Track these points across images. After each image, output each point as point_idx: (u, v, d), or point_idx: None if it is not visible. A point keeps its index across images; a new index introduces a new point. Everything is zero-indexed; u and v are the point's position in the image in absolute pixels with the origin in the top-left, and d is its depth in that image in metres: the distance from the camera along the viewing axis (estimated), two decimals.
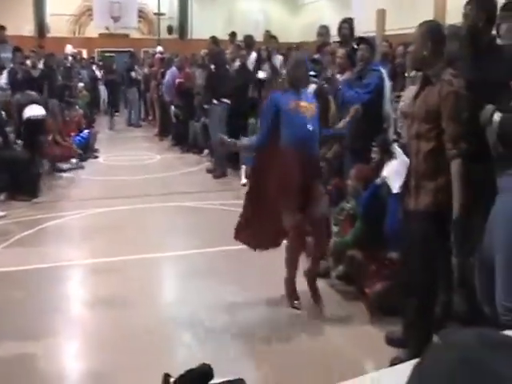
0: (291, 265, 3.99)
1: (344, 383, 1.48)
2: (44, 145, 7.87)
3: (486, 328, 0.65)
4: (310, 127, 3.84)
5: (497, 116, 2.66)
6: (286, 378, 3.07)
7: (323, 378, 3.01)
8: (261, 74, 8.16)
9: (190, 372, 2.23)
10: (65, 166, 8.69)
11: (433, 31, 3.01)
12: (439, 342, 0.64)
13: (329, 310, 3.87)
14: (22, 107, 7.55)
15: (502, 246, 2.68)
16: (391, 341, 3.39)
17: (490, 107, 2.74)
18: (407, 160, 3.12)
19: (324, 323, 3.69)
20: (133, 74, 13.53)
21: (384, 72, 4.93)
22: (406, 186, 3.17)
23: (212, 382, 2.17)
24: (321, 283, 4.16)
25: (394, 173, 3.27)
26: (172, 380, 2.25)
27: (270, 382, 3.04)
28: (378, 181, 4.03)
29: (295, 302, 3.96)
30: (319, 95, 5.42)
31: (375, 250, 4.04)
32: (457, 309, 3.40)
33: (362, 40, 5.10)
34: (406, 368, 0.66)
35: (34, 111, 7.62)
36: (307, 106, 3.90)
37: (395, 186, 3.30)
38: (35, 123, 7.58)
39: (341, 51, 5.52)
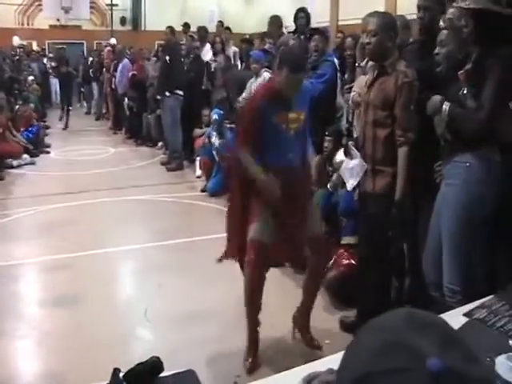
0: (251, 303, 3.11)
1: (298, 368, 1.48)
2: None
3: (416, 309, 0.66)
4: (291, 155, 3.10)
5: (446, 105, 2.73)
6: (239, 368, 3.08)
7: (278, 363, 3.03)
8: (214, 65, 8.15)
9: (139, 365, 2.20)
10: (14, 162, 8.45)
11: (393, 23, 3.16)
12: (370, 324, 0.65)
13: (282, 296, 3.88)
14: None
15: (446, 232, 2.77)
16: (345, 325, 3.46)
17: (437, 97, 2.81)
18: (364, 164, 3.19)
19: (278, 309, 3.70)
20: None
21: (336, 62, 4.99)
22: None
23: (162, 374, 2.16)
24: (273, 272, 4.16)
25: (349, 170, 3.32)
26: (121, 374, 2.22)
27: (223, 373, 3.04)
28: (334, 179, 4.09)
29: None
30: None
31: (330, 236, 4.09)
32: (408, 293, 3.49)
33: (315, 30, 5.13)
34: None
35: None
36: (295, 116, 3.09)
37: (350, 184, 3.36)
38: None
39: (292, 42, 5.54)
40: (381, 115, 3.09)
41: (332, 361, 1.34)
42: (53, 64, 15.01)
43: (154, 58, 10.52)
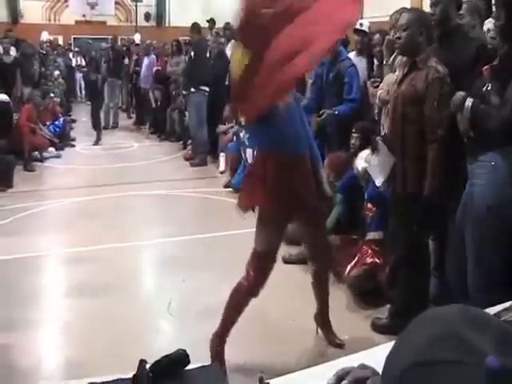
0: (233, 311, 3.01)
1: (328, 364, 1.48)
2: (10, 131, 7.73)
3: (472, 306, 0.66)
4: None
5: (469, 101, 2.69)
6: (264, 364, 3.08)
7: (306, 360, 3.02)
8: None
9: (165, 358, 2.22)
10: (41, 154, 8.58)
11: (425, 18, 3.15)
12: (425, 315, 0.65)
13: (307, 296, 3.87)
14: None
15: (469, 234, 2.74)
16: (377, 327, 3.40)
17: (460, 93, 2.77)
18: (392, 158, 3.15)
19: (303, 308, 3.70)
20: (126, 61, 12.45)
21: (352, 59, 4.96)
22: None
23: (188, 367, 2.17)
24: (297, 269, 4.17)
25: (377, 167, 3.28)
26: (148, 366, 2.24)
27: (246, 367, 3.05)
28: (359, 169, 4.04)
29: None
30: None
31: (353, 235, 4.08)
32: (432, 291, 3.45)
33: None
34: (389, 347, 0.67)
35: None
36: None
37: (378, 181, 3.32)
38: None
39: None
40: (410, 110, 3.05)
41: (363, 356, 1.34)
42: (82, 64, 14.99)
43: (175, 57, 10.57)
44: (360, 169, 3.93)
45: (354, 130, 4.46)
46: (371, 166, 3.39)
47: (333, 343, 3.23)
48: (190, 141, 8.89)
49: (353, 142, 4.45)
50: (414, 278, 3.17)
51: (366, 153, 3.91)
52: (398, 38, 3.12)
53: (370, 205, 3.98)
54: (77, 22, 18.96)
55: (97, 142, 9.92)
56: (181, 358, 2.24)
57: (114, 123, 11.72)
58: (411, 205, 3.05)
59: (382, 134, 4.28)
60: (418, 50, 3.07)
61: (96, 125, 10.20)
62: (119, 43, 15.98)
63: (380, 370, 0.69)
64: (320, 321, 3.30)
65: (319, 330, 3.32)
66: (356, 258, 3.87)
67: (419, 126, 3.03)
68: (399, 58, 4.08)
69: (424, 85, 3.00)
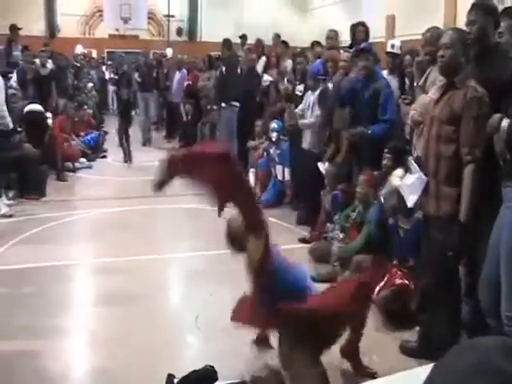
0: None
1: None
2: (45, 139, 7.92)
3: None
4: None
5: (505, 122, 2.66)
6: None
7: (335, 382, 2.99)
8: (265, 78, 8.21)
9: (193, 373, 2.24)
10: (74, 165, 8.76)
11: (465, 38, 3.07)
12: (462, 345, 0.65)
13: None
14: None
15: (504, 257, 2.69)
16: (406, 350, 3.35)
17: (497, 115, 2.74)
18: (424, 177, 3.11)
19: None
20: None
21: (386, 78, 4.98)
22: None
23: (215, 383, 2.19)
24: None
25: (409, 187, 3.25)
26: (176, 381, 2.26)
27: None
28: (393, 184, 4.01)
29: None
30: (322, 98, 5.47)
31: (383, 256, 4.05)
32: (464, 317, 3.38)
33: (360, 51, 5.12)
34: (421, 372, 0.67)
35: (32, 106, 7.80)
36: None
37: (410, 201, 3.29)
38: (34, 116, 7.68)
39: (345, 55, 5.56)
40: (446, 130, 2.99)
41: (392, 380, 1.33)
42: (115, 77, 15.18)
43: (204, 68, 10.76)
44: (393, 186, 3.89)
45: (386, 151, 4.45)
46: (403, 186, 3.37)
47: (364, 374, 3.06)
48: None
49: (385, 162, 4.45)
50: (445, 303, 3.11)
51: (400, 171, 3.91)
52: (442, 56, 3.04)
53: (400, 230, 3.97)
54: (110, 35, 19.37)
55: (129, 160, 9.47)
56: (209, 373, 2.27)
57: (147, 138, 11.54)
58: (445, 228, 2.98)
59: (414, 154, 4.28)
60: (459, 70, 3.01)
61: (124, 142, 9.65)
62: (151, 57, 16.31)
63: None
64: (350, 352, 3.11)
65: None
66: (385, 279, 3.84)
67: (455, 146, 2.96)
68: (431, 77, 4.08)
69: (461, 104, 2.93)
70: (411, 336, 3.45)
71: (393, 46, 5.49)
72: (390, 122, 4.76)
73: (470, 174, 2.89)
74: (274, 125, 6.95)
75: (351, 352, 3.11)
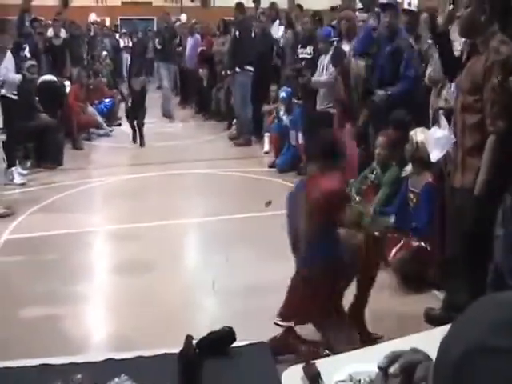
0: None
1: (379, 346, 1.45)
2: (62, 110, 7.94)
3: None
4: None
5: None
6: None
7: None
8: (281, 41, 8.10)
9: (211, 334, 2.24)
10: (89, 133, 8.77)
11: None
12: (485, 299, 0.62)
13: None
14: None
15: None
16: (431, 317, 3.25)
17: None
18: (453, 137, 2.99)
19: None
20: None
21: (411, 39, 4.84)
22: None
23: (234, 344, 2.19)
24: None
25: (436, 140, 3.15)
26: (194, 342, 2.27)
27: None
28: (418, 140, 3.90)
29: None
30: (336, 57, 5.35)
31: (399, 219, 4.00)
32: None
33: (385, 5, 4.97)
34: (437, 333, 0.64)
35: (46, 77, 7.88)
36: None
37: (434, 155, 3.20)
38: (48, 87, 7.72)
39: (362, 15, 5.45)
40: (469, 100, 2.79)
41: (415, 340, 1.32)
42: (129, 45, 14.91)
43: (218, 33, 10.57)
44: (419, 141, 3.78)
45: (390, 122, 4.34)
46: (430, 138, 3.26)
47: (368, 339, 2.92)
48: (234, 120, 8.88)
49: (389, 131, 4.34)
50: (473, 272, 2.99)
51: (421, 129, 3.82)
52: (459, 16, 2.91)
53: (411, 194, 3.90)
54: (123, 3, 19.18)
55: (141, 143, 8.26)
56: (227, 334, 2.26)
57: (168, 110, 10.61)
58: (469, 200, 2.84)
59: (432, 114, 4.18)
60: (480, 30, 2.76)
61: (135, 120, 8.38)
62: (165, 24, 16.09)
63: (432, 355, 0.66)
64: (354, 314, 3.03)
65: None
66: (401, 242, 3.81)
67: (479, 117, 2.77)
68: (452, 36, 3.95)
69: (481, 71, 2.72)
70: (429, 299, 3.42)
71: (409, 4, 5.32)
72: (412, 79, 4.64)
73: (492, 145, 2.72)
74: (282, 94, 6.89)
75: (355, 314, 3.02)
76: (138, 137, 8.29)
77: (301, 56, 6.64)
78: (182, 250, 4.74)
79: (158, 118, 10.08)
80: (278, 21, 8.64)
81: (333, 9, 7.32)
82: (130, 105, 8.53)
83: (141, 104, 8.35)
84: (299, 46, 6.81)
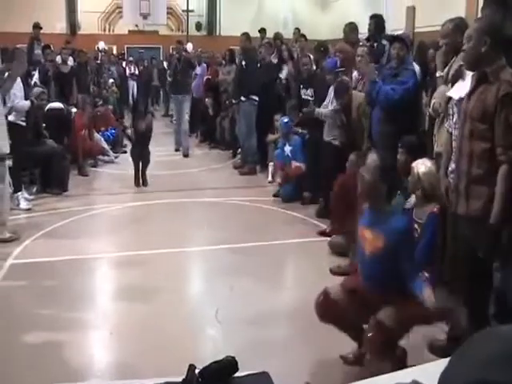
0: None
1: (382, 377, 1.46)
2: (69, 137, 8.05)
3: None
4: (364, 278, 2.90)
5: None
6: (311, 373, 3.08)
7: (356, 372, 2.99)
8: (283, 74, 8.22)
9: (214, 363, 2.26)
10: (94, 160, 8.86)
11: (491, 26, 2.84)
12: (485, 332, 0.63)
13: None
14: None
15: None
16: (435, 348, 3.25)
17: None
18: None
19: None
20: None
21: (418, 70, 4.92)
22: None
23: (236, 374, 2.20)
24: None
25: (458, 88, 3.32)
26: (197, 371, 2.28)
27: (295, 376, 3.05)
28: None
29: None
30: (339, 90, 5.43)
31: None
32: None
33: (395, 38, 5.07)
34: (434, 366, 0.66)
35: (53, 104, 8.01)
36: (371, 238, 2.82)
37: (456, 96, 3.27)
38: (55, 114, 7.86)
39: (360, 49, 5.52)
40: (479, 128, 2.80)
41: (416, 372, 1.33)
42: (135, 72, 15.01)
43: (224, 62, 10.74)
44: (420, 172, 3.81)
45: (399, 145, 4.40)
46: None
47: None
48: (239, 149, 8.96)
49: (398, 156, 4.39)
50: (478, 306, 2.98)
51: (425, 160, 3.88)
52: (463, 50, 2.95)
53: (416, 225, 3.92)
54: (130, 31, 19.53)
55: (144, 183, 7.58)
56: (230, 364, 2.28)
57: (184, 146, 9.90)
58: (475, 229, 2.83)
59: (435, 146, 4.22)
60: (483, 61, 2.81)
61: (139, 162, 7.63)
62: (171, 52, 16.35)
63: None
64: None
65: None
66: None
67: (488, 145, 2.77)
68: (454, 68, 4.02)
69: (494, 100, 2.72)
70: (438, 334, 3.41)
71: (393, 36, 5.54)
72: (408, 84, 4.69)
73: (504, 175, 2.72)
74: (280, 122, 6.96)
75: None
76: (141, 179, 7.57)
77: (303, 97, 6.77)
78: (186, 277, 4.75)
79: (162, 146, 10.18)
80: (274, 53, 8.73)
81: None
82: (133, 147, 7.80)
83: (145, 145, 7.63)
84: (301, 86, 6.93)
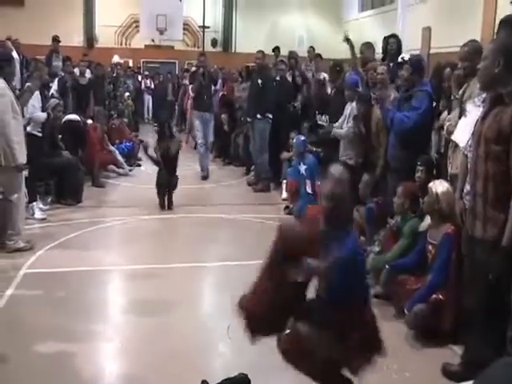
0: None
1: None
2: (84, 148, 8.13)
3: None
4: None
5: None
6: None
7: None
8: (298, 99, 8.28)
9: (227, 381, 2.25)
10: (109, 172, 8.93)
11: (505, 47, 2.82)
12: (503, 361, 0.63)
13: None
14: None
15: None
16: (449, 373, 3.21)
17: None
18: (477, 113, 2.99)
19: None
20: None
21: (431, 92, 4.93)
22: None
23: None
24: None
25: (462, 129, 3.33)
26: None
27: None
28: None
29: None
30: (361, 96, 5.44)
31: (418, 271, 3.99)
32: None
33: (404, 61, 5.09)
34: None
35: (70, 116, 8.14)
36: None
37: (462, 141, 3.25)
38: (72, 126, 7.97)
39: (381, 68, 5.53)
40: (494, 149, 2.77)
41: None
42: (151, 86, 15.10)
43: (240, 79, 10.82)
44: (439, 192, 3.81)
45: (418, 163, 4.43)
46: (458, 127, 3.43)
47: None
48: (253, 166, 8.96)
49: (418, 174, 4.42)
50: (493, 326, 2.93)
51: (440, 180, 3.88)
52: (478, 69, 2.94)
53: (430, 246, 3.91)
54: (146, 46, 19.77)
55: (169, 206, 7.16)
56: (242, 381, 2.27)
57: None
58: (490, 252, 2.80)
59: (450, 168, 4.23)
60: (497, 82, 2.79)
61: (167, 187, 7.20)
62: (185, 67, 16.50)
63: None
64: None
65: None
66: (417, 294, 3.79)
67: (504, 167, 2.74)
68: (469, 91, 4.03)
69: (509, 121, 2.71)
70: (445, 352, 3.38)
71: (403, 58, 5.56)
72: (421, 109, 4.68)
73: None
74: (294, 141, 6.98)
75: None
76: (167, 201, 7.15)
77: (319, 122, 6.80)
78: (197, 292, 4.75)
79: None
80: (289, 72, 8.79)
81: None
82: (160, 171, 7.25)
83: (174, 171, 7.27)
84: (317, 111, 6.95)
